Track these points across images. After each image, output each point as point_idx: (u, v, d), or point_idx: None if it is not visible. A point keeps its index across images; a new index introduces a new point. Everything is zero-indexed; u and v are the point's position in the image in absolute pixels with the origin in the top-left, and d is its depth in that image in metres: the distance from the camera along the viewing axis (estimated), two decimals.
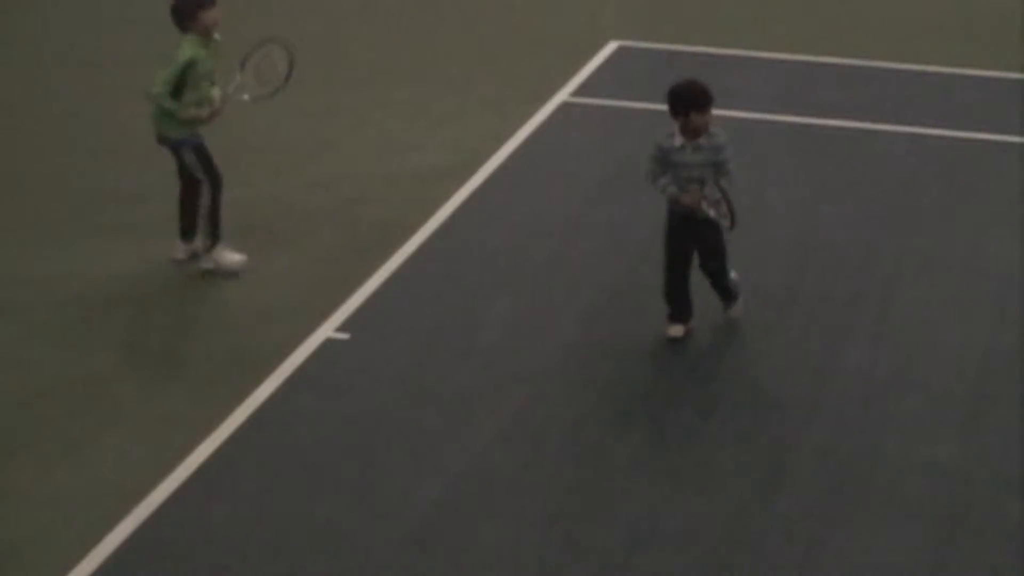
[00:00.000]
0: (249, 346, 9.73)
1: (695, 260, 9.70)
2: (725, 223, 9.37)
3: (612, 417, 9.04)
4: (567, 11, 16.41)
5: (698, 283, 9.83)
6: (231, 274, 10.36)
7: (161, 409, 9.10)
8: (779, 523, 8.11)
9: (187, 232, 10.64)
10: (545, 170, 12.41)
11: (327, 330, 9.93)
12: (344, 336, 9.88)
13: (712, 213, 9.35)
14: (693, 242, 9.60)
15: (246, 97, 10.42)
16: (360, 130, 13.24)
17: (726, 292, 9.87)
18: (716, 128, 9.34)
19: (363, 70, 14.70)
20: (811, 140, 13.06)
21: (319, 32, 15.84)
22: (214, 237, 10.47)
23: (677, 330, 9.75)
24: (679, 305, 9.76)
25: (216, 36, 10.25)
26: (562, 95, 13.94)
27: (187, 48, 10.02)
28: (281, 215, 11.61)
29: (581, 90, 14.09)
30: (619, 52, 15.11)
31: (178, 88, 10.10)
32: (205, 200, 10.40)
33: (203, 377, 9.43)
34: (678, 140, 9.30)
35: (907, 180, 12.28)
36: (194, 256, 10.67)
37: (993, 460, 8.66)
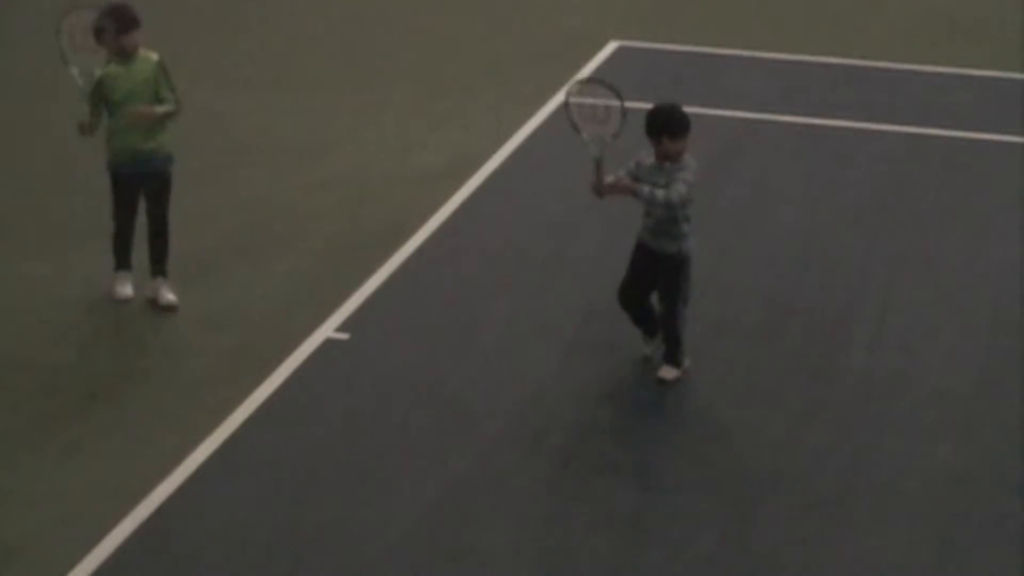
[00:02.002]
0: (249, 346, 9.73)
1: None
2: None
3: (612, 416, 9.04)
4: (567, 11, 16.41)
5: (703, 282, 9.81)
6: (116, 299, 10.16)
7: (161, 409, 9.09)
8: (779, 523, 8.11)
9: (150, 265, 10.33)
10: (545, 170, 12.40)
11: (327, 330, 9.92)
12: (344, 336, 9.88)
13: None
14: (653, 277, 9.23)
15: (89, 72, 9.86)
16: (360, 130, 13.24)
17: (671, 344, 9.28)
18: (689, 156, 9.01)
19: (363, 70, 14.69)
20: (811, 140, 13.05)
21: (319, 33, 15.83)
22: (117, 261, 10.18)
23: (652, 346, 9.50)
24: (644, 325, 9.43)
25: (154, 56, 9.83)
26: (562, 95, 13.90)
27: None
28: (281, 215, 11.61)
29: None
30: (619, 52, 15.10)
31: (107, 110, 9.84)
32: (114, 230, 10.14)
33: (203, 377, 9.42)
34: (649, 159, 9.04)
35: (907, 180, 12.27)
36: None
37: (993, 460, 8.66)
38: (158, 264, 10.14)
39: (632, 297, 9.30)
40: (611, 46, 15.19)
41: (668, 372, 9.32)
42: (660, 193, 8.83)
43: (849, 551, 7.89)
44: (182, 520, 8.08)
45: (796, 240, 11.22)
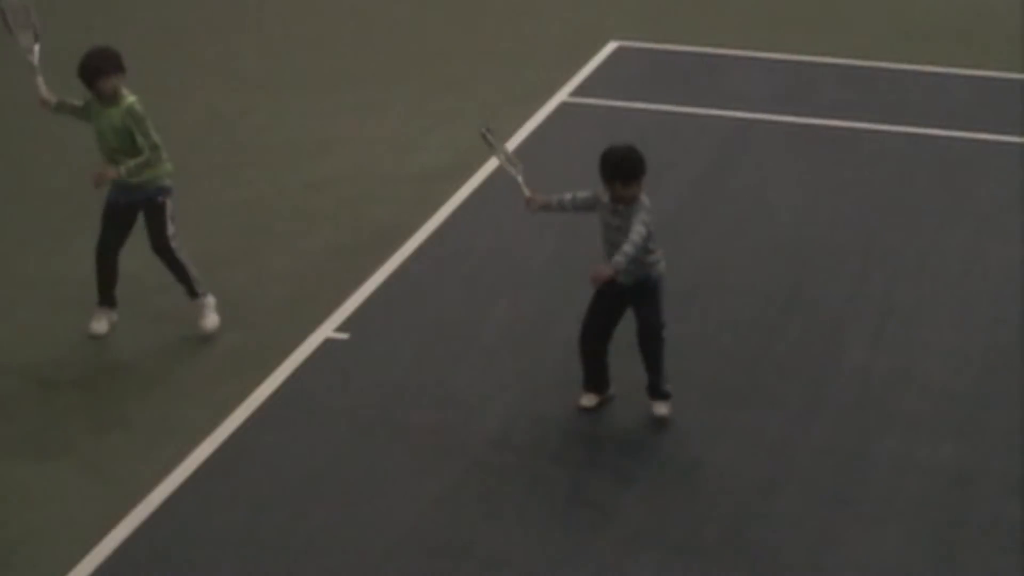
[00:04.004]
0: (249, 346, 9.73)
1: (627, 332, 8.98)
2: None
3: (612, 416, 9.04)
4: (567, 11, 16.42)
5: (703, 282, 9.82)
6: (91, 335, 9.90)
7: (161, 409, 9.10)
8: (779, 523, 8.11)
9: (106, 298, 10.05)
10: (545, 170, 12.38)
11: (327, 330, 9.92)
12: (344, 336, 9.88)
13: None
14: (619, 310, 8.91)
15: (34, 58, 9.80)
16: (360, 130, 13.25)
17: (657, 380, 8.94)
18: (644, 196, 8.69)
19: (363, 70, 14.70)
20: (811, 140, 13.06)
21: (319, 32, 15.84)
22: (98, 293, 9.91)
23: (589, 399, 9.07)
24: (592, 371, 9.04)
25: (126, 102, 9.47)
26: (562, 95, 13.94)
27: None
28: (281, 215, 11.61)
29: (581, 90, 14.09)
30: (619, 52, 15.10)
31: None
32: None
33: (203, 377, 9.43)
34: (606, 198, 8.79)
35: (907, 180, 12.28)
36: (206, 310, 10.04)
37: (993, 460, 8.66)
38: (187, 289, 9.87)
39: (595, 332, 8.93)
40: (611, 46, 15.20)
41: (662, 408, 8.98)
42: (628, 249, 8.49)
43: (849, 551, 7.89)
44: (182, 520, 8.08)
45: (796, 240, 11.22)
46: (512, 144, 12.84)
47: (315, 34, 15.75)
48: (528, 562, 7.80)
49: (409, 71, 14.65)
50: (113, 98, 9.54)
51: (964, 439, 8.84)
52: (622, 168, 8.61)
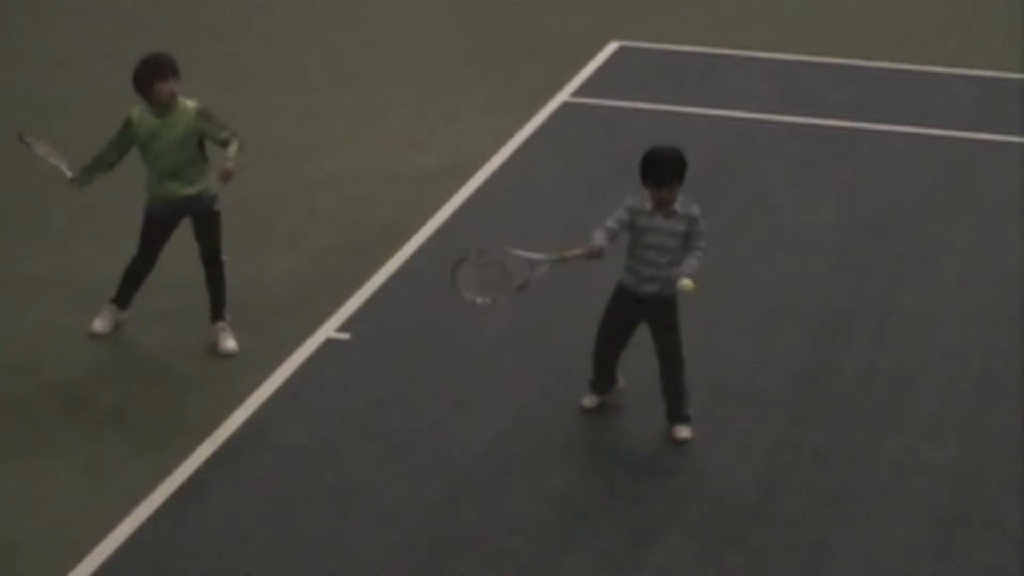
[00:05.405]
0: (249, 346, 9.73)
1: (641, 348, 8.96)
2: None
3: (612, 416, 9.04)
4: (567, 11, 16.42)
5: (703, 282, 9.77)
6: (92, 334, 9.87)
7: (162, 409, 9.10)
8: (779, 524, 8.11)
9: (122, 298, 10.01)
10: (545, 170, 12.41)
11: (327, 330, 9.93)
12: (344, 336, 9.88)
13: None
14: (634, 322, 8.86)
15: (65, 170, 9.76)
16: (360, 130, 13.25)
17: (678, 403, 8.89)
18: (686, 197, 8.64)
19: (363, 70, 14.70)
20: (811, 140, 13.06)
21: (319, 32, 15.85)
22: (117, 293, 9.87)
23: (591, 400, 9.13)
24: (601, 376, 9.08)
25: (190, 105, 9.40)
26: (562, 95, 13.94)
27: (134, 108, 9.44)
28: (281, 215, 11.61)
29: (581, 90, 14.10)
30: (619, 52, 15.11)
31: (142, 157, 9.53)
32: (130, 262, 9.81)
33: (203, 377, 9.43)
34: (648, 204, 8.62)
35: (907, 180, 12.28)
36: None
37: (994, 460, 8.66)
38: (215, 308, 9.78)
39: (612, 344, 8.92)
40: (611, 46, 15.20)
41: (684, 431, 8.88)
42: (692, 264, 8.51)
43: (849, 551, 7.89)
44: (182, 521, 8.08)
45: (796, 240, 11.23)
46: (513, 145, 12.86)
47: (315, 34, 15.75)
48: (527, 562, 7.80)
49: (410, 71, 14.66)
50: (170, 104, 9.36)
51: (965, 439, 8.85)
52: (652, 168, 8.47)
